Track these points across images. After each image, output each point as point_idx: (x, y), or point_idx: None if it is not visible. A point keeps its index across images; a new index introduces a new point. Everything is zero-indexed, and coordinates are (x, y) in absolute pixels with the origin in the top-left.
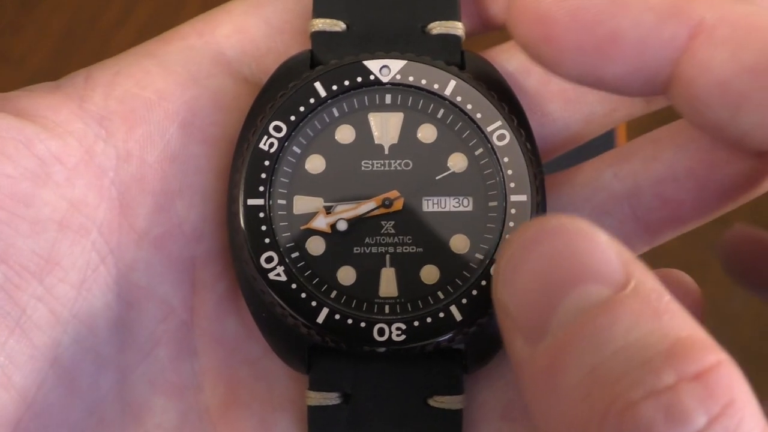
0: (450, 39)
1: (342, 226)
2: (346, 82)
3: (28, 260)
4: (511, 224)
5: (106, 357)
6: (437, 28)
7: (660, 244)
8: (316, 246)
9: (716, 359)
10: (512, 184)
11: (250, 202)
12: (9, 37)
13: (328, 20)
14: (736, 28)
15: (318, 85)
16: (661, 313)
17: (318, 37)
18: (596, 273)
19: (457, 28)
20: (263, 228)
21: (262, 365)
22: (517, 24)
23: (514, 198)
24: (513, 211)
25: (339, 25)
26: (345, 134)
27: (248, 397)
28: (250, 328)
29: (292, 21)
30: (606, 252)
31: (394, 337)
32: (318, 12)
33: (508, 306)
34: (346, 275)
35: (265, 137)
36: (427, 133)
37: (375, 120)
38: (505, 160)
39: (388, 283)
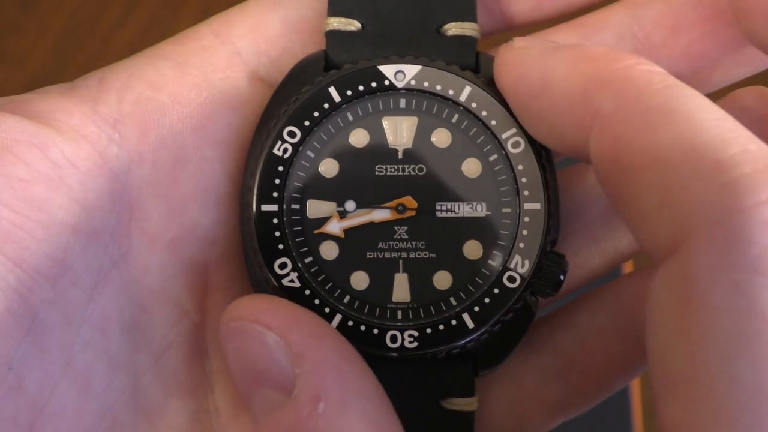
0: (465, 41)
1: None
2: (361, 87)
3: (42, 264)
4: (525, 232)
5: (119, 359)
6: (453, 29)
7: None
8: (329, 250)
9: None
10: (526, 192)
11: (264, 207)
12: (9, 37)
13: (343, 19)
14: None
15: (332, 90)
16: (311, 428)
17: (332, 36)
18: (269, 379)
19: (473, 29)
20: (277, 234)
21: None
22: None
23: (528, 206)
24: (527, 219)
25: (354, 25)
26: (359, 138)
27: None
28: None
29: (309, 20)
30: (275, 356)
31: (407, 344)
32: (333, 11)
33: None
34: (359, 280)
35: (279, 142)
36: (441, 137)
37: (389, 124)
38: (519, 167)
39: (400, 289)
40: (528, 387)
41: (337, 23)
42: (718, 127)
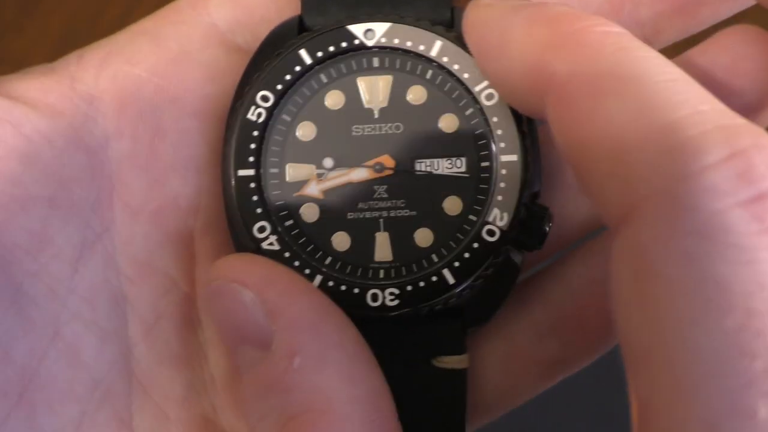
0: None
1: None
2: (331, 48)
3: (20, 237)
4: (502, 185)
5: (109, 330)
6: None
7: None
8: (309, 213)
9: None
10: (502, 144)
11: (241, 173)
12: (9, 37)
13: None
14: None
15: (303, 52)
16: (287, 383)
17: (307, 1)
18: (248, 336)
19: None
20: (254, 198)
21: None
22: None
23: (504, 158)
24: (504, 171)
25: None
26: (334, 99)
27: None
28: None
29: None
30: (252, 313)
31: (387, 302)
32: None
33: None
34: (341, 241)
35: (253, 107)
36: (416, 94)
37: (364, 83)
38: (494, 119)
39: (382, 248)
40: (521, 344)
41: None
42: (669, 89)
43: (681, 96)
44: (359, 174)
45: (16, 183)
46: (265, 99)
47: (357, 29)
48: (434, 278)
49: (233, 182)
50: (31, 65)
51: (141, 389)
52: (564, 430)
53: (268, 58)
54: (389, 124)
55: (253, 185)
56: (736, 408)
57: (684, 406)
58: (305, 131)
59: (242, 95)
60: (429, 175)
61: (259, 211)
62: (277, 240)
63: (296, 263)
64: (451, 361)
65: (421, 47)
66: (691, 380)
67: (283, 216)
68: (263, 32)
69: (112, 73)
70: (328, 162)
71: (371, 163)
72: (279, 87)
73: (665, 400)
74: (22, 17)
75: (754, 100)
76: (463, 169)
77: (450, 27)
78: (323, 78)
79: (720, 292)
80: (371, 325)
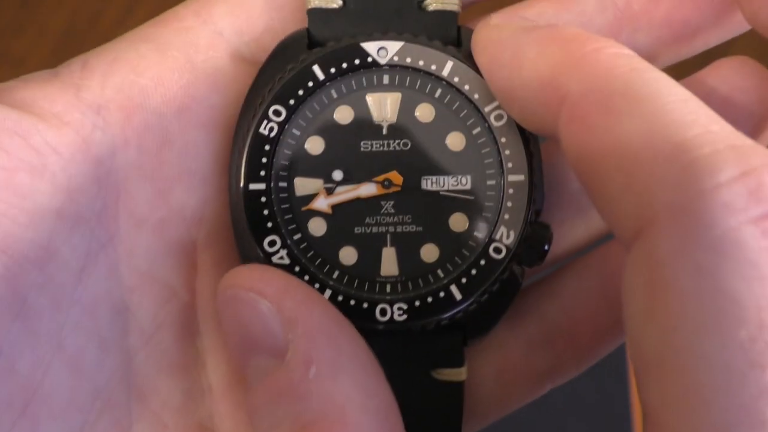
0: (447, 15)
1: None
2: (344, 65)
3: (28, 250)
4: (509, 204)
5: (110, 340)
6: (434, 3)
7: None
8: (317, 227)
9: None
10: (510, 164)
11: (252, 186)
12: (9, 37)
13: None
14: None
15: (316, 68)
16: (302, 391)
17: (314, 14)
18: (262, 345)
19: (454, 3)
20: (265, 212)
21: None
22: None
23: (512, 178)
24: (511, 191)
25: (335, 2)
26: (343, 114)
27: None
28: None
29: None
30: (268, 322)
31: (396, 317)
32: None
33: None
34: (348, 255)
35: (265, 122)
36: (424, 112)
37: (373, 100)
38: (503, 140)
39: (389, 263)
40: (514, 356)
41: (319, 1)
42: (680, 109)
43: (692, 116)
44: (367, 189)
45: (25, 196)
46: (277, 113)
47: (370, 47)
48: (442, 294)
49: (244, 196)
50: (31, 65)
51: (139, 398)
52: (563, 431)
53: (278, 70)
54: (397, 141)
55: (264, 199)
56: (748, 418)
57: (695, 416)
58: (314, 145)
59: (253, 108)
60: (435, 192)
61: (269, 225)
62: (287, 254)
63: (306, 277)
64: (450, 374)
65: (433, 67)
66: (703, 391)
67: (292, 230)
68: (268, 42)
69: (118, 83)
70: (336, 176)
71: (380, 178)
72: (291, 102)
73: (676, 410)
74: (22, 17)
75: (746, 132)
76: (468, 187)
77: (457, 45)
78: (333, 93)
79: (733, 305)
80: (373, 337)
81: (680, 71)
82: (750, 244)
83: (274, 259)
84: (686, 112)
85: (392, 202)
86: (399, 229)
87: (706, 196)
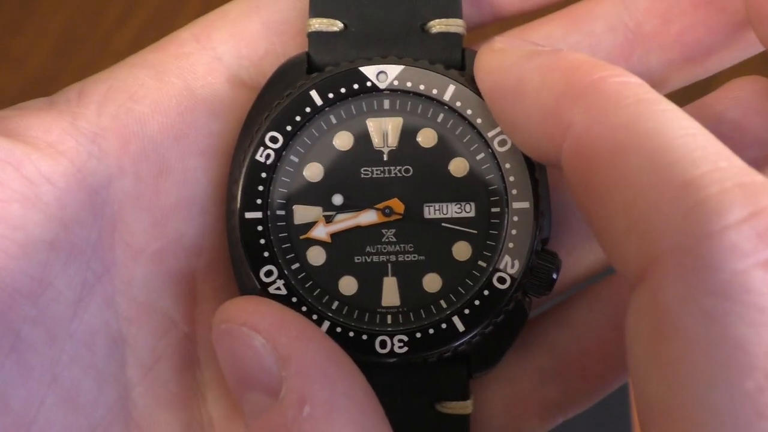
0: (450, 38)
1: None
2: (343, 90)
3: (20, 282)
4: (514, 232)
5: (107, 374)
6: (437, 26)
7: None
8: (316, 256)
9: None
10: (514, 191)
11: (248, 215)
12: (9, 37)
13: (324, 20)
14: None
15: (314, 93)
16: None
17: (315, 37)
18: (257, 382)
19: (458, 26)
20: (262, 241)
21: None
22: None
23: (516, 205)
24: (515, 218)
25: (336, 25)
26: (343, 140)
27: None
28: None
29: (291, 22)
30: (262, 358)
31: (396, 349)
32: (315, 11)
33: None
34: (348, 285)
35: (262, 148)
36: (426, 137)
37: (373, 125)
38: (507, 166)
39: (390, 293)
40: (524, 388)
41: (319, 24)
42: (687, 144)
43: (700, 152)
44: (368, 217)
45: (17, 227)
46: (274, 140)
47: (369, 71)
48: (444, 325)
49: (240, 224)
50: (31, 65)
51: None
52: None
53: (276, 95)
54: (398, 167)
55: (260, 228)
56: None
57: None
58: (313, 172)
59: (250, 134)
60: (438, 220)
61: (266, 254)
62: (284, 285)
63: (303, 308)
64: (456, 407)
65: (434, 91)
66: None
67: (290, 259)
68: (268, 67)
69: (114, 110)
70: (335, 204)
71: (381, 206)
72: (288, 128)
73: None
74: (22, 17)
75: (761, 154)
76: (472, 215)
77: (460, 68)
78: (332, 119)
79: (739, 353)
80: (376, 369)
81: (689, 91)
82: (758, 289)
83: (271, 289)
84: (694, 148)
85: (393, 231)
86: (400, 258)
87: (713, 239)
